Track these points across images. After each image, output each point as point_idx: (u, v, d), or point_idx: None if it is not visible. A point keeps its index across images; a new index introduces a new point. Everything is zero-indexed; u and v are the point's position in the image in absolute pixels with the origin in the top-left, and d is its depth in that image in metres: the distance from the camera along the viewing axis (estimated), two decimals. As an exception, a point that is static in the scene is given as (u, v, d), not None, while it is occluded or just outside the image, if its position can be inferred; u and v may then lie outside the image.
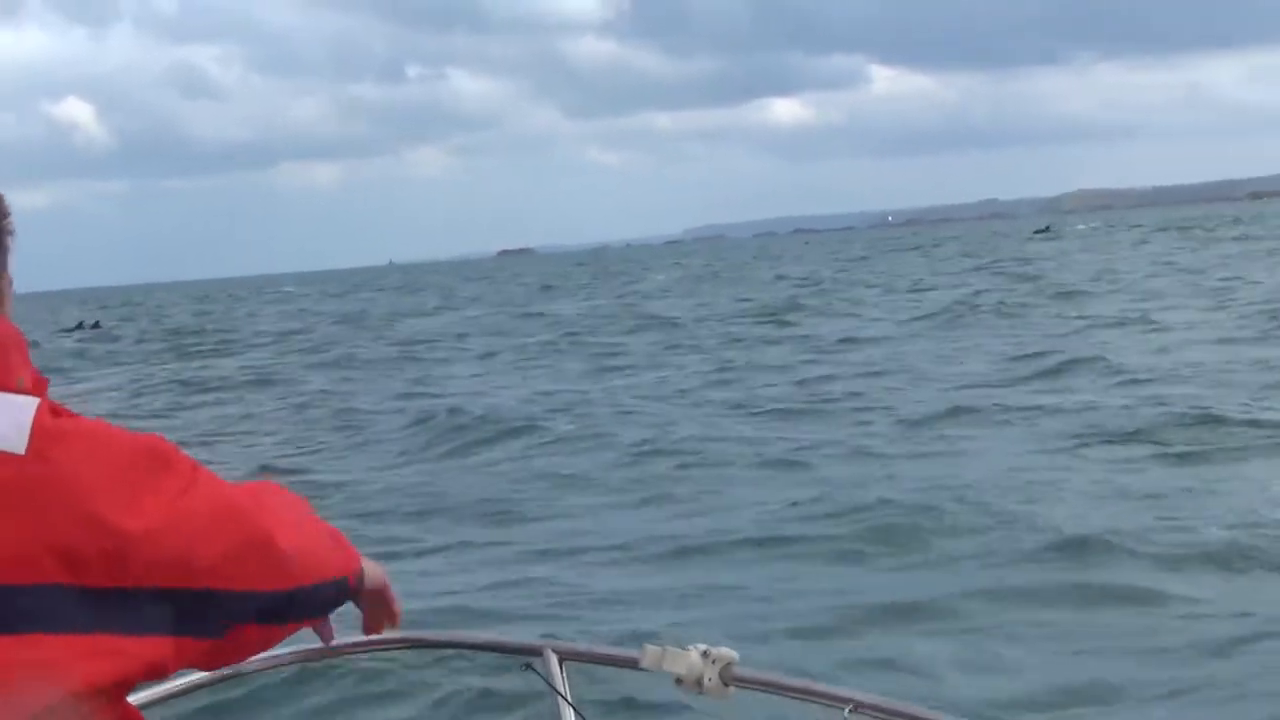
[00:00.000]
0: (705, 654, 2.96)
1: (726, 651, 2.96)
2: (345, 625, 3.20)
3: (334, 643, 3.03)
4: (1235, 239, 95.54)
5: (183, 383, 40.39)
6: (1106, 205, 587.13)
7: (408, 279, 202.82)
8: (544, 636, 3.58)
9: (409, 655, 6.19)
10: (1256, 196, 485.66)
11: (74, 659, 2.03)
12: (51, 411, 2.15)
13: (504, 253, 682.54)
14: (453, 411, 25.83)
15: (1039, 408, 21.93)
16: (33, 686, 2.01)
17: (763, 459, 19.12)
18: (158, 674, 2.19)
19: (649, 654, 3.05)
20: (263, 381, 37.97)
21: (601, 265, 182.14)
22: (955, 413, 22.16)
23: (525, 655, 3.46)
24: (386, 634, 3.39)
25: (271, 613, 2.33)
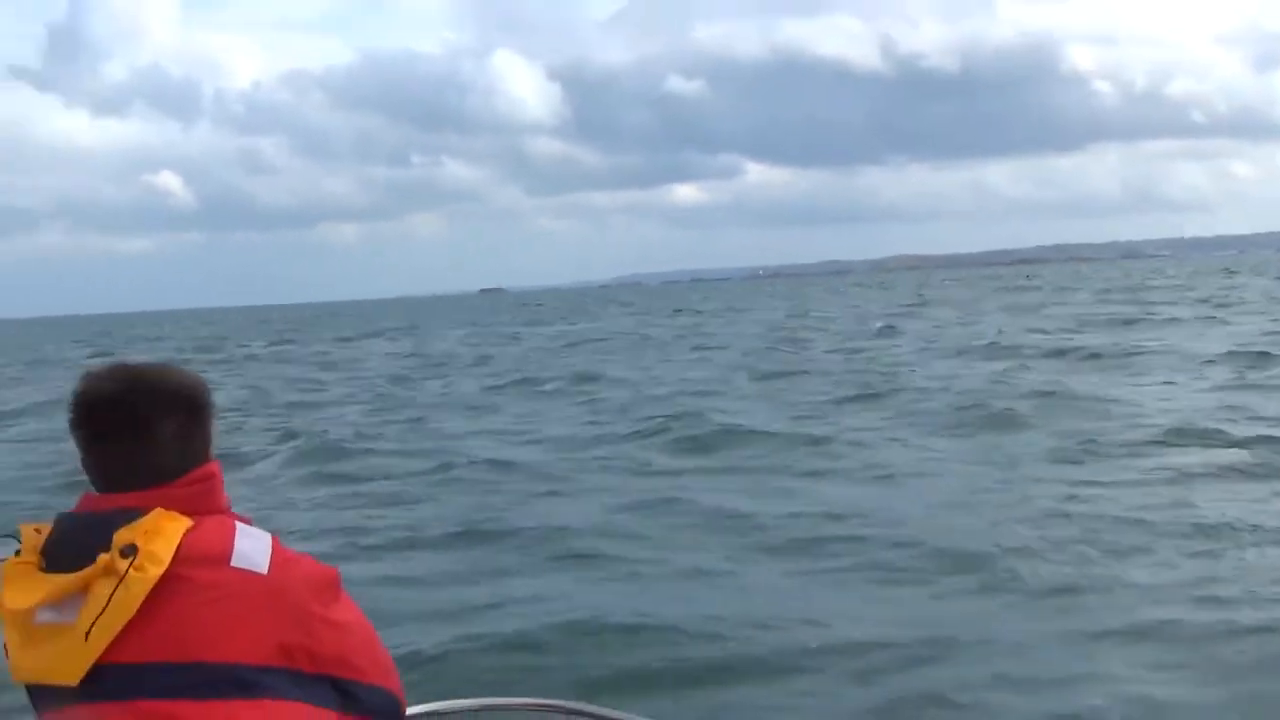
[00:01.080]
0: None
1: None
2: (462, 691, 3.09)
3: (445, 704, 3.00)
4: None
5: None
6: (916, 266, 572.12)
7: (410, 311, 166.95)
8: (558, 699, 3.00)
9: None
10: (1022, 262, 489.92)
11: (280, 717, 2.09)
12: (275, 541, 2.20)
13: (484, 290, 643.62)
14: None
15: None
16: None
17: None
18: None
19: None
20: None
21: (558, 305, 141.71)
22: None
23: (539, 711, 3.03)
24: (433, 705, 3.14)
25: (382, 708, 2.27)
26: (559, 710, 3.01)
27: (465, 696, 3.21)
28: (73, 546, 2.08)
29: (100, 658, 2.02)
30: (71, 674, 2.02)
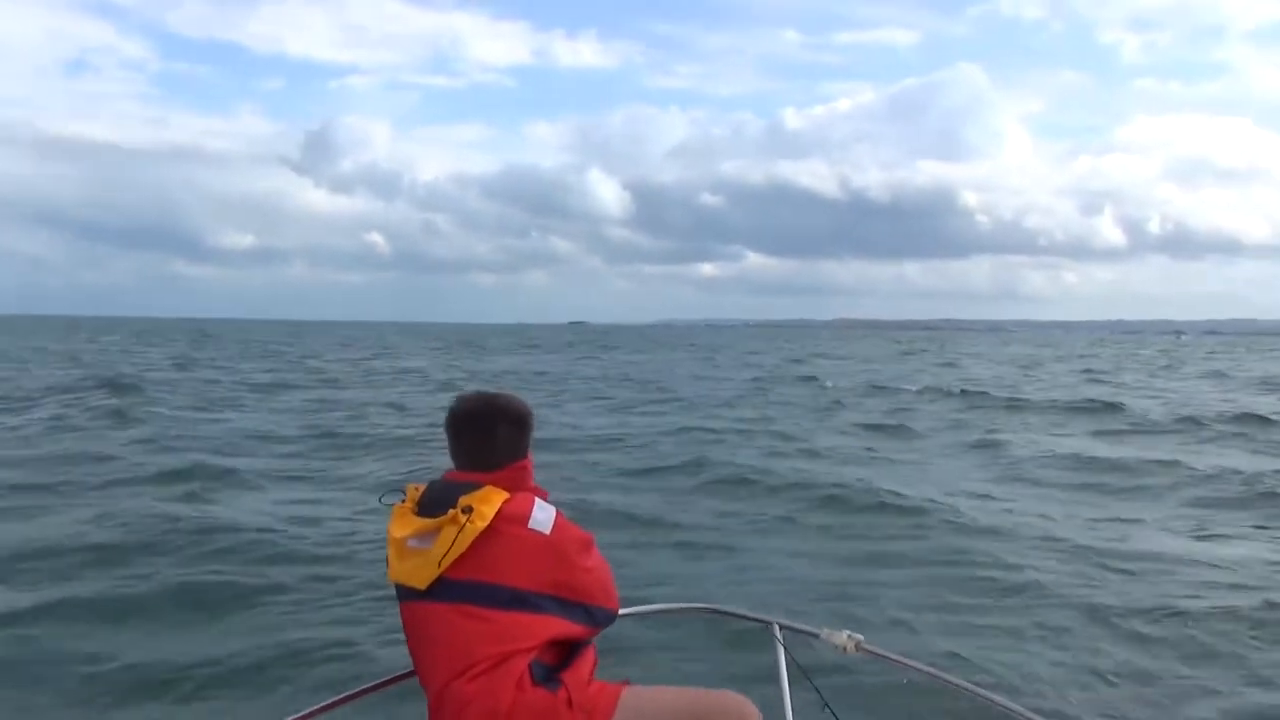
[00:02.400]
0: (849, 635, 2.58)
1: (858, 635, 2.57)
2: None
3: (637, 609, 2.77)
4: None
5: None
6: (853, 327, 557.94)
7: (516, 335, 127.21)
8: (771, 613, 2.71)
9: (674, 618, 4.79)
10: (924, 329, 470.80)
11: (549, 627, 2.09)
12: (559, 514, 2.11)
13: (571, 322, 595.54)
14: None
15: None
16: (534, 633, 2.06)
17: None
18: (574, 640, 2.14)
19: (824, 632, 2.64)
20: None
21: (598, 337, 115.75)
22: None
23: (759, 623, 2.76)
24: (666, 605, 3.20)
25: (606, 621, 2.20)
26: (772, 624, 2.77)
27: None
28: (435, 501, 2.12)
29: (442, 573, 2.06)
30: (423, 581, 2.08)
